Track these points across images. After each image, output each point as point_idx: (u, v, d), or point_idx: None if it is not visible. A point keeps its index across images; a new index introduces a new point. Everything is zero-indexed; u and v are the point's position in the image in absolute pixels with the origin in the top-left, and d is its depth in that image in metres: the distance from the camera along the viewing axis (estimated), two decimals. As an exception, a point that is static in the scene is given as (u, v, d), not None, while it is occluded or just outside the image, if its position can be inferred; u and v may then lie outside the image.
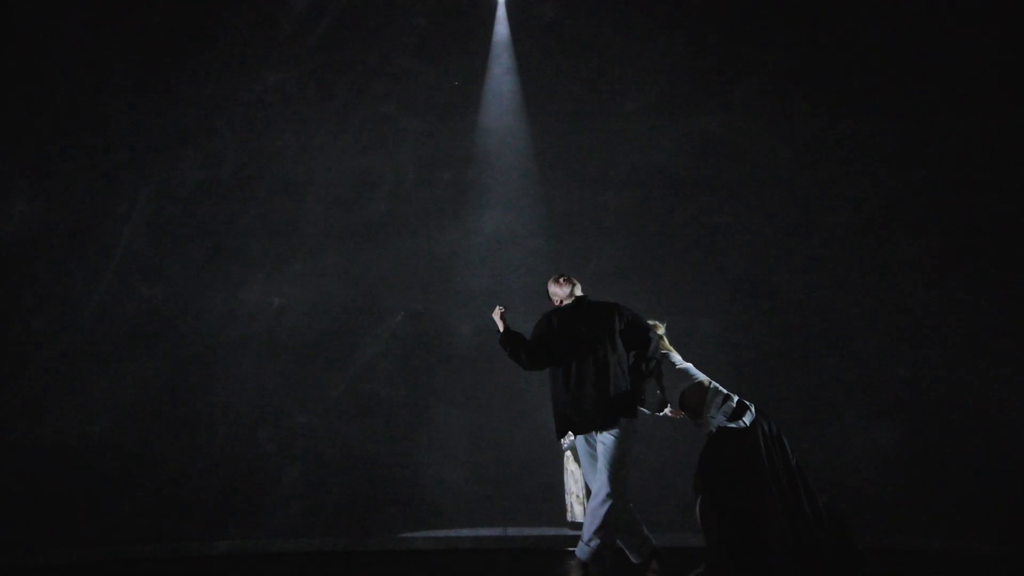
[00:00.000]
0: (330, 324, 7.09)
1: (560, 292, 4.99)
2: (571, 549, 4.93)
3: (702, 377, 4.89)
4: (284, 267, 7.09)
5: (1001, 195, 6.94)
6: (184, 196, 7.03)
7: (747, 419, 4.69)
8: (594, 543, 4.62)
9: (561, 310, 4.92)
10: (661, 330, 5.12)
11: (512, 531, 6.47)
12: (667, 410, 5.09)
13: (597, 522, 4.62)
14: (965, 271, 6.89)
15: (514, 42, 7.44)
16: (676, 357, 5.06)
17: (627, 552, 4.74)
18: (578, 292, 5.00)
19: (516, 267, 7.12)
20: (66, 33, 6.98)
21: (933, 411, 6.76)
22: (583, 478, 4.88)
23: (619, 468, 4.68)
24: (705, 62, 7.36)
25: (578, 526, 5.00)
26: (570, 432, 4.93)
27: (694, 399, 4.80)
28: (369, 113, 7.32)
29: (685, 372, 4.93)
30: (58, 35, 6.96)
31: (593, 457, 4.76)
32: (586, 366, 4.75)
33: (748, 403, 4.78)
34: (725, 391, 4.83)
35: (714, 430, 4.70)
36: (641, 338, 4.88)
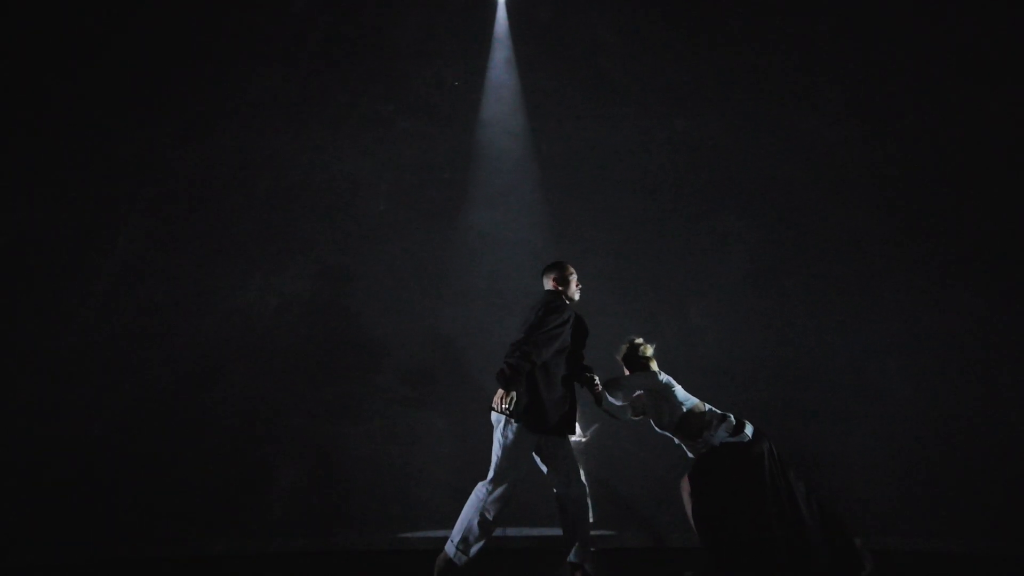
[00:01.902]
0: (328, 324, 7.09)
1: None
2: (570, 549, 4.94)
3: (695, 401, 4.88)
4: (282, 267, 7.09)
5: (1004, 197, 6.93)
6: (183, 196, 7.03)
7: (749, 431, 4.73)
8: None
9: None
10: (650, 351, 5.04)
11: (512, 531, 6.48)
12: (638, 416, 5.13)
13: (584, 521, 4.69)
14: (966, 273, 6.88)
15: (514, 42, 7.43)
16: (674, 383, 4.98)
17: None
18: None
19: (515, 267, 7.12)
20: (65, 33, 6.97)
21: (931, 413, 6.76)
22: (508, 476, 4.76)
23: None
24: (705, 61, 7.36)
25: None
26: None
27: (694, 424, 4.81)
28: (368, 113, 7.32)
29: (674, 394, 4.88)
30: (57, 34, 6.95)
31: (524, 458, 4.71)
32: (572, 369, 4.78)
33: (744, 420, 4.82)
34: (720, 411, 4.85)
35: (717, 444, 4.73)
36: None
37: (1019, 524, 6.23)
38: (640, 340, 5.04)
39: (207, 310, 6.95)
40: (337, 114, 7.29)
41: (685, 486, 4.83)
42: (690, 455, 4.90)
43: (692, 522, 4.77)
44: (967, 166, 7.00)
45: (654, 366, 4.99)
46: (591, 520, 4.80)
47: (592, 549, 4.81)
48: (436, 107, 7.39)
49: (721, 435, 4.72)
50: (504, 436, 4.62)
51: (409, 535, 6.74)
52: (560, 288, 4.86)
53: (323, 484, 6.88)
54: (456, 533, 4.62)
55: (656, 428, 5.00)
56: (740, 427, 4.74)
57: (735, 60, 7.33)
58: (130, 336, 6.79)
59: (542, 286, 4.95)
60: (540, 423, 4.63)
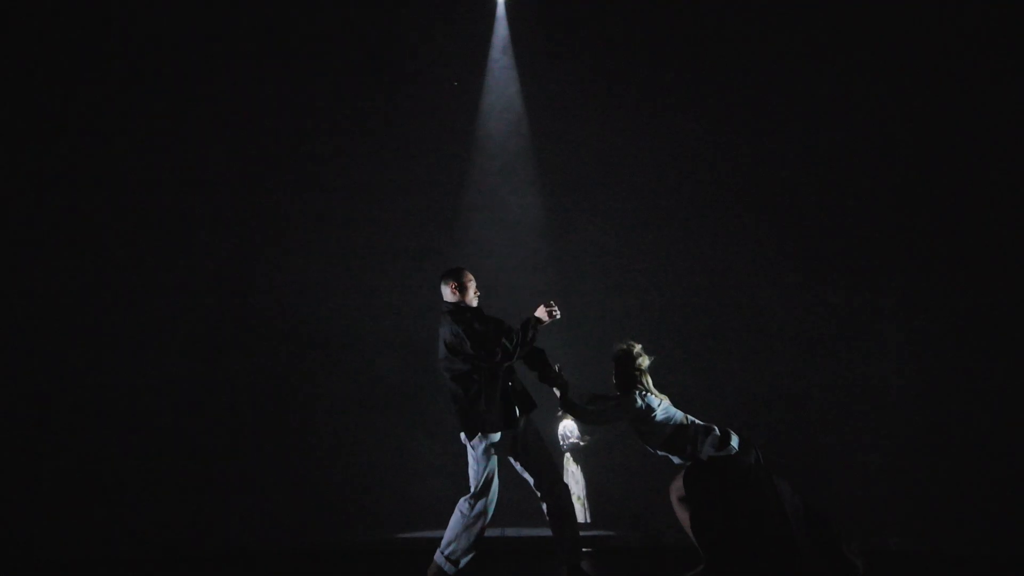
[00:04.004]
0: (329, 323, 7.10)
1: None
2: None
3: (678, 417, 4.80)
4: (283, 266, 7.10)
5: (1003, 197, 6.92)
6: (183, 196, 7.05)
7: (735, 443, 4.68)
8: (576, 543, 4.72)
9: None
10: (646, 363, 4.82)
11: (511, 531, 6.48)
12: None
13: (571, 520, 4.71)
14: (961, 274, 6.87)
15: (513, 42, 7.44)
16: (655, 405, 4.87)
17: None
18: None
19: (516, 266, 7.12)
20: (64, 33, 6.98)
21: (930, 413, 6.75)
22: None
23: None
24: (704, 62, 7.36)
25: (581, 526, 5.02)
26: (568, 432, 4.97)
27: (677, 441, 4.76)
28: (369, 112, 7.33)
29: (654, 419, 4.78)
30: (56, 34, 6.96)
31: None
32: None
33: (730, 431, 4.77)
34: (703, 423, 4.78)
35: (704, 459, 4.69)
36: None
37: (1019, 524, 6.23)
38: (639, 348, 4.80)
39: (207, 309, 6.96)
40: (338, 113, 7.31)
41: (674, 490, 4.80)
42: (676, 462, 4.85)
43: (684, 526, 4.78)
44: (966, 165, 6.99)
45: (647, 381, 4.78)
46: (583, 520, 4.81)
47: (586, 549, 4.82)
48: (437, 107, 7.39)
49: (707, 450, 4.66)
50: (474, 449, 4.67)
51: (409, 535, 6.75)
52: (458, 295, 4.88)
53: (323, 484, 6.89)
54: (444, 546, 4.69)
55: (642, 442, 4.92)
56: (726, 439, 4.67)
57: (735, 60, 7.33)
58: (129, 335, 6.80)
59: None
60: (490, 423, 4.65)
